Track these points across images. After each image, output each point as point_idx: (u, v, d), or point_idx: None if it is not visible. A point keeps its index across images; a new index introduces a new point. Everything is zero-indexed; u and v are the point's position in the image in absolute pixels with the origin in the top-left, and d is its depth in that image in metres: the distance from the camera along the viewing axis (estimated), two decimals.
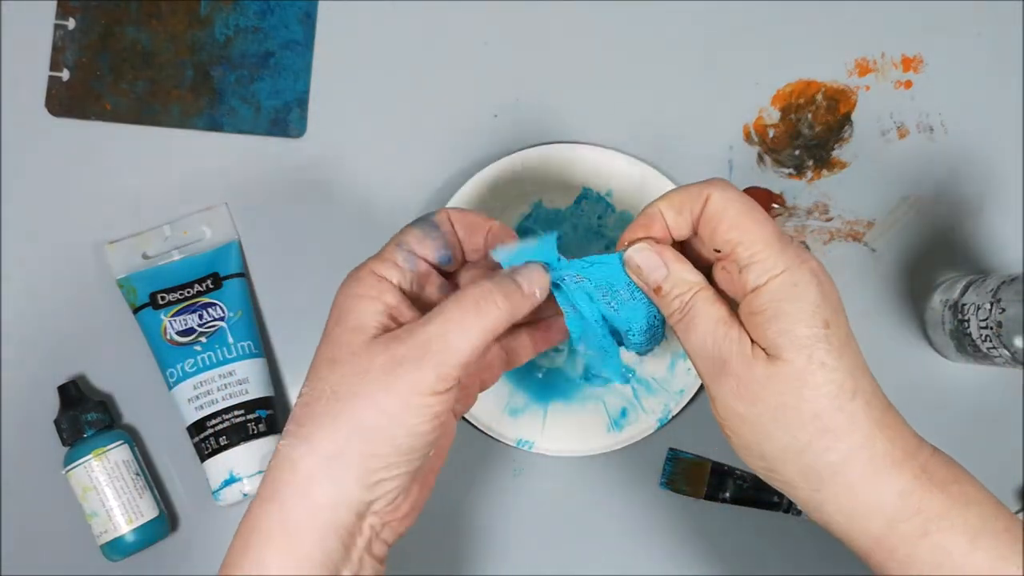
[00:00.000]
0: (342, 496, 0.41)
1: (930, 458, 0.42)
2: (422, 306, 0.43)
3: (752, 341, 0.42)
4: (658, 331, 0.47)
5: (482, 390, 0.49)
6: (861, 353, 0.43)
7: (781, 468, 0.42)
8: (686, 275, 0.43)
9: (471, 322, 0.41)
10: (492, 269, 0.45)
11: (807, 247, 0.61)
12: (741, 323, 0.42)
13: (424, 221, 0.45)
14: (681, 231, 0.44)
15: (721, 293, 0.44)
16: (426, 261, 0.45)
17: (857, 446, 0.41)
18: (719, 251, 0.43)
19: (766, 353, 0.41)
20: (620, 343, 0.48)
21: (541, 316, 0.49)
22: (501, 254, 0.44)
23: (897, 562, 0.41)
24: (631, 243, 0.44)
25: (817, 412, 0.41)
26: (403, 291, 0.43)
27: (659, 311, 0.45)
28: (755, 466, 0.43)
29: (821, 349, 0.41)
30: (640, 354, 0.49)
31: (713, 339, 0.42)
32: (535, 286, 0.43)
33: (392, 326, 0.42)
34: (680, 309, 0.43)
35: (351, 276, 0.44)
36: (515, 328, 0.48)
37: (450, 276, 0.47)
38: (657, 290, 0.44)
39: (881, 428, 0.41)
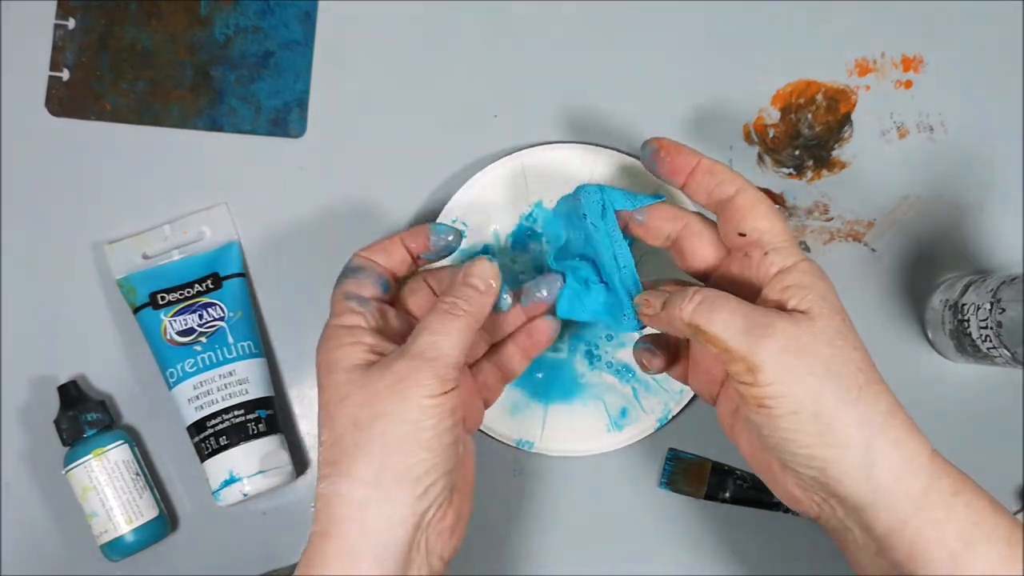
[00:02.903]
0: (396, 513, 0.44)
1: None
2: (391, 336, 0.48)
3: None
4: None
5: (487, 407, 0.54)
6: None
7: (836, 423, 0.43)
8: (682, 288, 0.47)
9: (450, 327, 0.46)
10: (430, 280, 0.52)
11: (807, 247, 0.62)
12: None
13: (348, 270, 0.50)
14: (697, 194, 0.49)
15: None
16: (373, 298, 0.49)
17: (894, 403, 0.44)
18: (743, 234, 0.47)
19: (807, 314, 0.44)
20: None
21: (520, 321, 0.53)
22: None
23: (934, 522, 0.42)
24: (655, 149, 0.50)
25: (860, 365, 0.44)
26: (372, 329, 0.48)
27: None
28: (805, 433, 0.43)
29: (847, 319, 0.45)
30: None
31: (743, 310, 0.44)
32: (487, 279, 0.49)
33: (378, 359, 0.46)
34: (693, 303, 0.45)
35: (324, 337, 0.48)
36: (500, 343, 0.53)
37: (393, 302, 0.51)
38: (665, 304, 0.47)
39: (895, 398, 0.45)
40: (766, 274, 0.46)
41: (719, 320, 0.44)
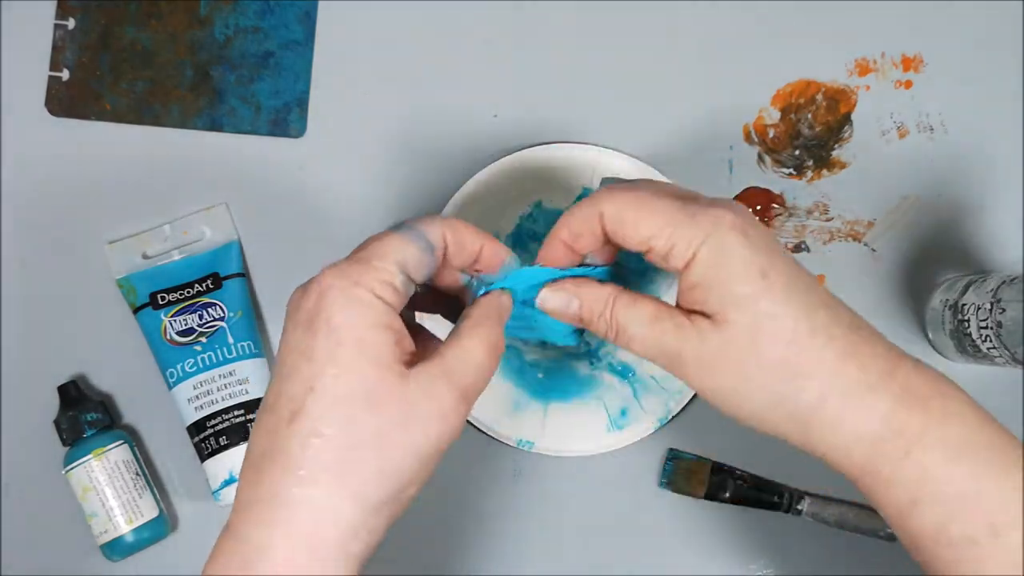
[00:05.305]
0: (376, 541, 0.40)
1: (911, 373, 0.42)
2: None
3: (695, 313, 0.42)
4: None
5: None
6: (813, 283, 0.43)
7: (770, 421, 0.43)
8: (595, 292, 0.45)
9: (489, 367, 0.43)
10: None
11: (807, 247, 0.61)
12: (672, 307, 0.43)
13: (422, 239, 0.42)
14: (592, 247, 0.45)
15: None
16: (414, 284, 0.43)
17: (828, 382, 0.41)
18: (643, 251, 0.43)
19: (713, 320, 0.42)
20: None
21: None
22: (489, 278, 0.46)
23: (883, 483, 0.42)
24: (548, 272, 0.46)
25: (780, 359, 0.41)
26: (400, 320, 0.41)
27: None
28: (750, 426, 0.44)
29: (764, 301, 0.41)
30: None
31: (654, 340, 0.43)
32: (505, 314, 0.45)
33: (404, 356, 0.40)
34: (610, 327, 0.44)
35: (349, 285, 0.40)
36: None
37: None
38: (581, 320, 0.45)
39: (850, 357, 0.42)
40: (677, 275, 0.43)
41: (638, 351, 0.44)
